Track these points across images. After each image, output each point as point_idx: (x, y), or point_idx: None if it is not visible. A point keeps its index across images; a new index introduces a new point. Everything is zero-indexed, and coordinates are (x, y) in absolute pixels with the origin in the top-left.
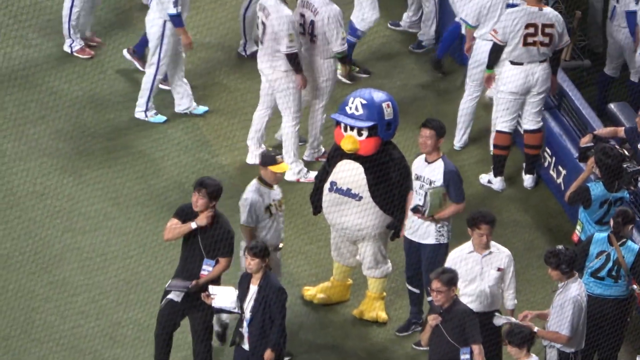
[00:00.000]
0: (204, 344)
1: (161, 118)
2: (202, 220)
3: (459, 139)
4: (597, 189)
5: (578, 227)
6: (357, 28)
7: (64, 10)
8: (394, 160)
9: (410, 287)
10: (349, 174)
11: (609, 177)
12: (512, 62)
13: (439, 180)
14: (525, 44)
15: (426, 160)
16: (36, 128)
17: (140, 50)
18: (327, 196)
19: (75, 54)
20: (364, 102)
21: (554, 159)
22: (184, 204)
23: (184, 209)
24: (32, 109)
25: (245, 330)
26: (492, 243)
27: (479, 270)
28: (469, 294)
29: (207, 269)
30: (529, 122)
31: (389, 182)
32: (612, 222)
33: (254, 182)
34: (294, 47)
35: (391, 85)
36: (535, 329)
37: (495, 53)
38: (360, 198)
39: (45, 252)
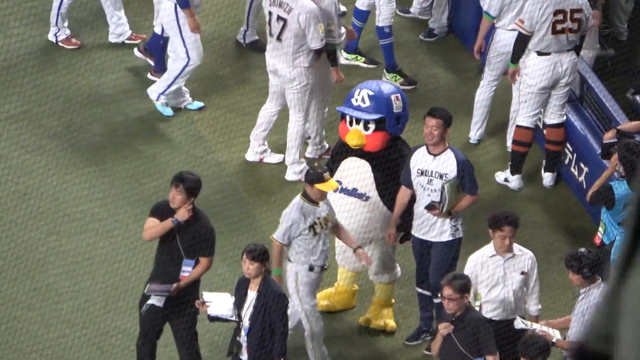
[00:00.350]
0: (190, 351)
1: (168, 111)
2: (182, 214)
3: (475, 132)
4: (620, 188)
5: (600, 229)
6: (383, 26)
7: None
8: (403, 157)
9: (421, 290)
10: (355, 172)
11: (634, 175)
12: (540, 53)
13: (452, 172)
14: (555, 32)
15: (431, 153)
16: (18, 123)
17: (152, 48)
18: (332, 196)
19: (60, 43)
20: (371, 93)
21: (575, 155)
22: (158, 202)
23: (159, 207)
24: (14, 103)
25: (243, 339)
26: (515, 245)
27: (501, 275)
28: (492, 301)
29: (187, 270)
30: (553, 116)
31: (398, 181)
32: None
33: (298, 200)
34: (324, 39)
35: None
36: (554, 339)
37: (521, 45)
38: (368, 198)
39: (28, 257)
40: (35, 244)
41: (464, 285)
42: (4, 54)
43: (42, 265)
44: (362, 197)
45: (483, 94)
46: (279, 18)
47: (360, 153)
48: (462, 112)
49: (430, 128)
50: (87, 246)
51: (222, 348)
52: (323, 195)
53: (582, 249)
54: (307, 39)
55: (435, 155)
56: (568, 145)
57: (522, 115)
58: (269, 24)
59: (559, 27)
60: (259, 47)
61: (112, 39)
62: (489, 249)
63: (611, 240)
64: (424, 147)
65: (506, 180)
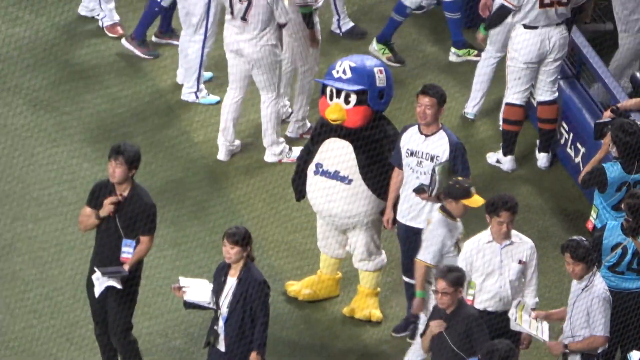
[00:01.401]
0: (119, 336)
1: (213, 99)
2: (104, 211)
3: (472, 107)
4: (613, 171)
5: (593, 214)
6: (406, 6)
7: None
8: (388, 137)
9: (407, 279)
10: (337, 153)
11: (628, 157)
12: (526, 26)
13: (444, 154)
14: (543, 5)
15: (423, 133)
16: None
17: (139, 35)
18: (312, 179)
19: (105, 30)
20: (353, 65)
21: (571, 135)
22: (95, 184)
23: (94, 191)
24: None
25: (221, 329)
26: (514, 232)
27: (498, 263)
28: (487, 290)
29: (128, 250)
30: (544, 93)
31: (382, 162)
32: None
33: (440, 217)
34: (289, 14)
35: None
36: (566, 341)
37: (501, 17)
38: (350, 181)
39: None
40: (0, 229)
41: (458, 279)
42: None
43: (8, 252)
44: (345, 180)
45: (483, 68)
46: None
47: (342, 133)
48: (452, 89)
49: (424, 107)
50: (55, 231)
51: (198, 340)
52: (465, 211)
53: (577, 237)
54: (275, 14)
55: (427, 136)
56: (564, 125)
57: (510, 91)
58: (230, 4)
59: (547, 0)
60: (357, 33)
61: (82, 11)
62: (485, 235)
63: (603, 225)
64: (416, 127)
65: (498, 161)
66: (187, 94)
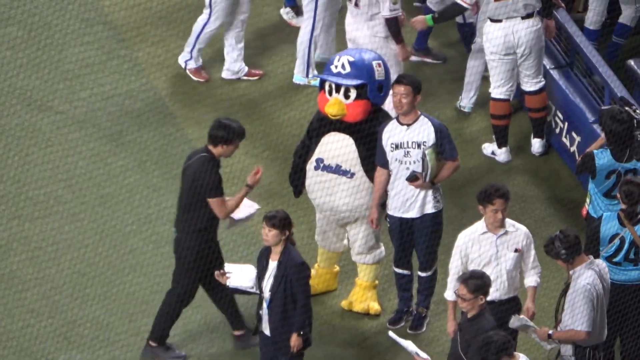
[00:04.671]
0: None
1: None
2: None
3: (467, 100)
4: (603, 158)
5: (587, 200)
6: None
7: (196, 24)
8: None
9: (399, 270)
10: (337, 146)
11: (617, 145)
12: (492, 20)
13: (430, 139)
14: None
15: (403, 124)
16: None
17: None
18: (313, 174)
19: (188, 72)
20: (352, 59)
21: (566, 124)
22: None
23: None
24: None
25: (264, 312)
26: (508, 221)
27: (494, 253)
28: None
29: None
30: (527, 84)
31: None
32: (620, 199)
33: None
34: (398, 10)
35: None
36: (551, 331)
37: (452, 13)
38: (352, 174)
39: None
40: None
41: (479, 286)
42: None
43: (4, 251)
44: (347, 173)
45: (474, 60)
46: None
47: (341, 127)
48: (452, 83)
49: (399, 96)
50: (51, 230)
51: (196, 336)
52: None
53: (557, 232)
54: (380, 5)
55: (408, 125)
56: (559, 114)
57: (492, 86)
58: None
59: None
60: None
61: (226, 75)
62: (480, 225)
63: (599, 216)
64: (394, 120)
65: (493, 153)
66: (298, 78)
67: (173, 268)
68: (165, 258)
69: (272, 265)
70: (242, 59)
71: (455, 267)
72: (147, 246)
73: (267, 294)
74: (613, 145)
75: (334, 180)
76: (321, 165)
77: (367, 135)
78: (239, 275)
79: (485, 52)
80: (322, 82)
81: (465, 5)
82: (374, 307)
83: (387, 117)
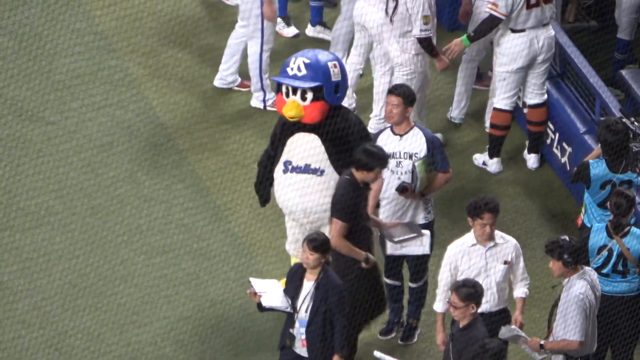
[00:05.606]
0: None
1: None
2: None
3: (459, 110)
4: (597, 167)
5: (583, 210)
6: None
7: (251, 57)
8: (352, 124)
9: (389, 281)
10: (305, 147)
11: (611, 155)
12: (514, 30)
13: (421, 150)
14: (529, 6)
15: (396, 134)
16: None
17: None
18: (282, 178)
19: (269, 108)
20: (307, 61)
21: (557, 135)
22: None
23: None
24: None
25: (298, 332)
26: (497, 233)
27: (483, 265)
28: None
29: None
30: (533, 96)
31: (351, 150)
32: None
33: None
34: (429, 30)
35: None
36: (542, 341)
37: (490, 28)
38: (322, 172)
39: None
40: None
41: (470, 294)
42: None
43: None
44: (317, 172)
45: (464, 70)
46: None
47: (305, 127)
48: (443, 93)
49: (391, 106)
50: (42, 241)
51: (188, 347)
52: None
53: (564, 236)
54: (412, 22)
55: (401, 136)
56: (550, 125)
57: (499, 96)
58: (386, 1)
59: (532, 0)
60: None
61: (218, 84)
62: (469, 237)
63: (589, 227)
64: (388, 129)
65: (484, 163)
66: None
67: (164, 279)
68: (156, 269)
69: (308, 285)
70: (237, 71)
71: (444, 279)
72: (138, 257)
73: (303, 314)
74: (608, 155)
75: (305, 180)
76: (289, 167)
77: (332, 131)
78: (270, 294)
79: (502, 64)
80: (279, 84)
81: (500, 16)
82: None
83: (350, 113)
